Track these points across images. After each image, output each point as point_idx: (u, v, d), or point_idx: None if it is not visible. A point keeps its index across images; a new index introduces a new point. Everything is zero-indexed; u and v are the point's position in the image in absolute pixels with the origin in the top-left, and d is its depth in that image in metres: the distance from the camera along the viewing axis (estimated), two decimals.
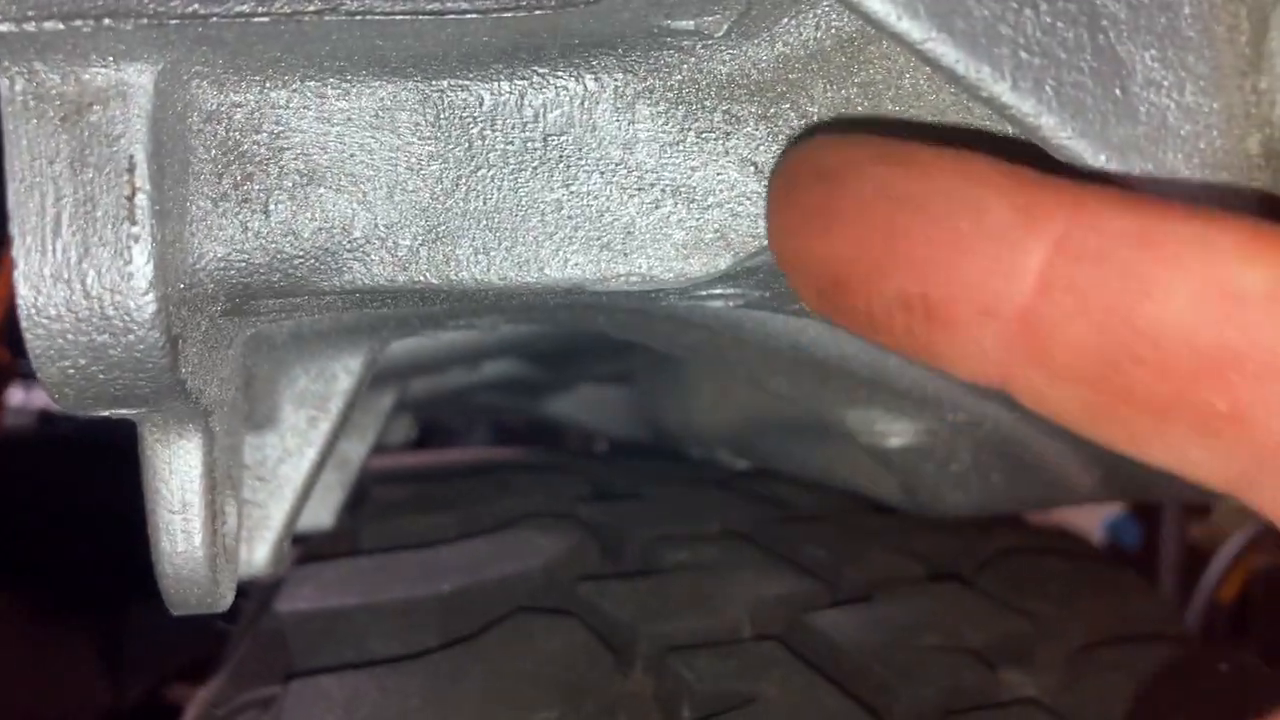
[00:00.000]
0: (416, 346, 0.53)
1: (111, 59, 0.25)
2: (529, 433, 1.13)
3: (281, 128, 0.27)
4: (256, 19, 0.24)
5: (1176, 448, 0.21)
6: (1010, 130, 0.26)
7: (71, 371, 0.26)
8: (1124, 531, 1.40)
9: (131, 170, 0.25)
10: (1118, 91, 0.24)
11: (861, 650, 0.46)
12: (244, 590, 0.57)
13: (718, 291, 0.33)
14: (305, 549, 0.56)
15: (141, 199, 0.25)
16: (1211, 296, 0.19)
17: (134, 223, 0.25)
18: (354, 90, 0.28)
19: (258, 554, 0.41)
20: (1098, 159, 0.24)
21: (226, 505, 0.35)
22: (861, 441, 0.51)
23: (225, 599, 0.34)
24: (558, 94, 0.28)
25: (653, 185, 0.28)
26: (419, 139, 0.28)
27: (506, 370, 0.78)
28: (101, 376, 0.26)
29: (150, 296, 0.25)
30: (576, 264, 0.28)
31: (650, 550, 0.55)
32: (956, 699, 0.45)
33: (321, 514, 0.59)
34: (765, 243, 0.28)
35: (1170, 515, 1.34)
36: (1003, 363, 0.21)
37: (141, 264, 0.25)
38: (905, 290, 0.21)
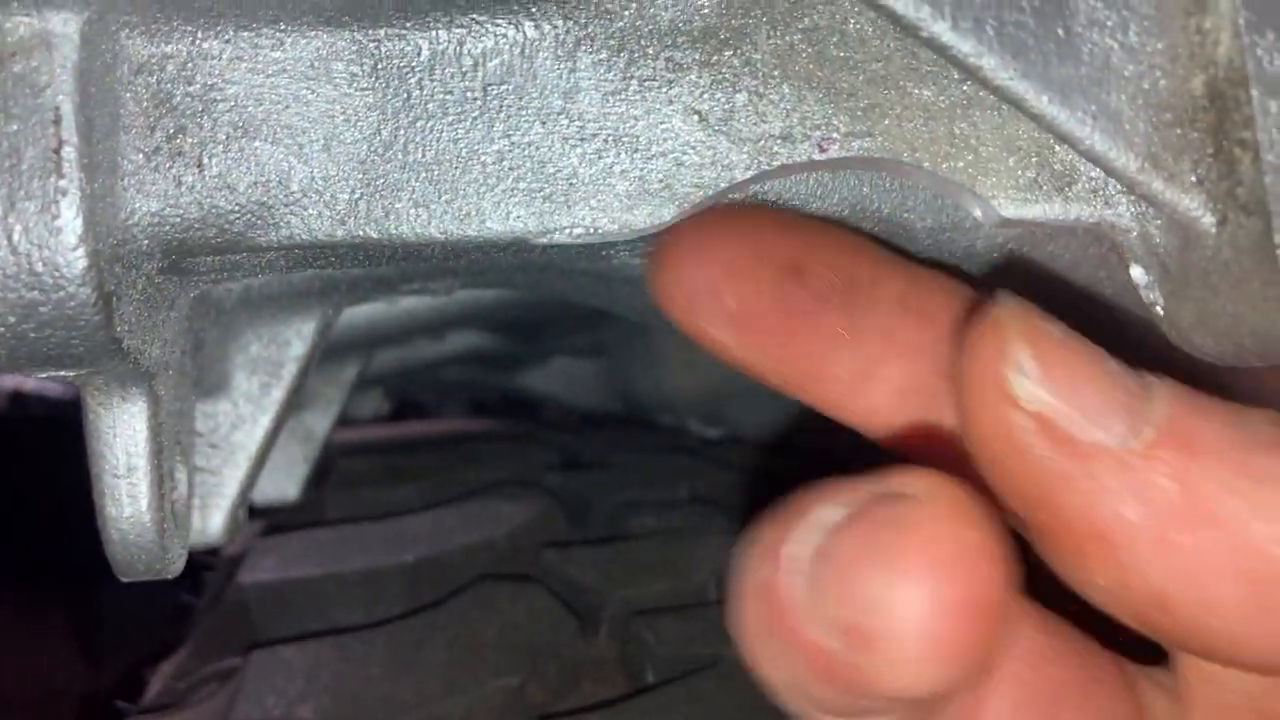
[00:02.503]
0: (376, 314, 0.52)
1: (34, 7, 0.24)
2: (503, 408, 1.12)
3: (215, 80, 0.27)
4: None
5: None
6: None
7: (1, 330, 0.26)
8: None
9: (58, 122, 0.24)
10: (1060, 31, 0.24)
11: None
12: (208, 563, 0.56)
13: None
14: (270, 521, 0.56)
15: (69, 151, 0.24)
16: None
17: (61, 176, 0.24)
18: (289, 40, 0.27)
19: (212, 522, 0.40)
20: (1040, 100, 0.24)
21: (176, 471, 0.34)
22: None
23: (175, 565, 0.34)
24: (497, 41, 0.27)
25: (595, 135, 0.28)
26: (356, 90, 0.27)
27: (475, 343, 0.77)
28: (33, 335, 0.26)
29: (80, 252, 0.25)
30: (518, 216, 0.28)
31: (617, 516, 0.54)
32: None
33: (287, 486, 0.58)
34: (711, 193, 0.28)
35: None
36: None
37: (70, 218, 0.25)
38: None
